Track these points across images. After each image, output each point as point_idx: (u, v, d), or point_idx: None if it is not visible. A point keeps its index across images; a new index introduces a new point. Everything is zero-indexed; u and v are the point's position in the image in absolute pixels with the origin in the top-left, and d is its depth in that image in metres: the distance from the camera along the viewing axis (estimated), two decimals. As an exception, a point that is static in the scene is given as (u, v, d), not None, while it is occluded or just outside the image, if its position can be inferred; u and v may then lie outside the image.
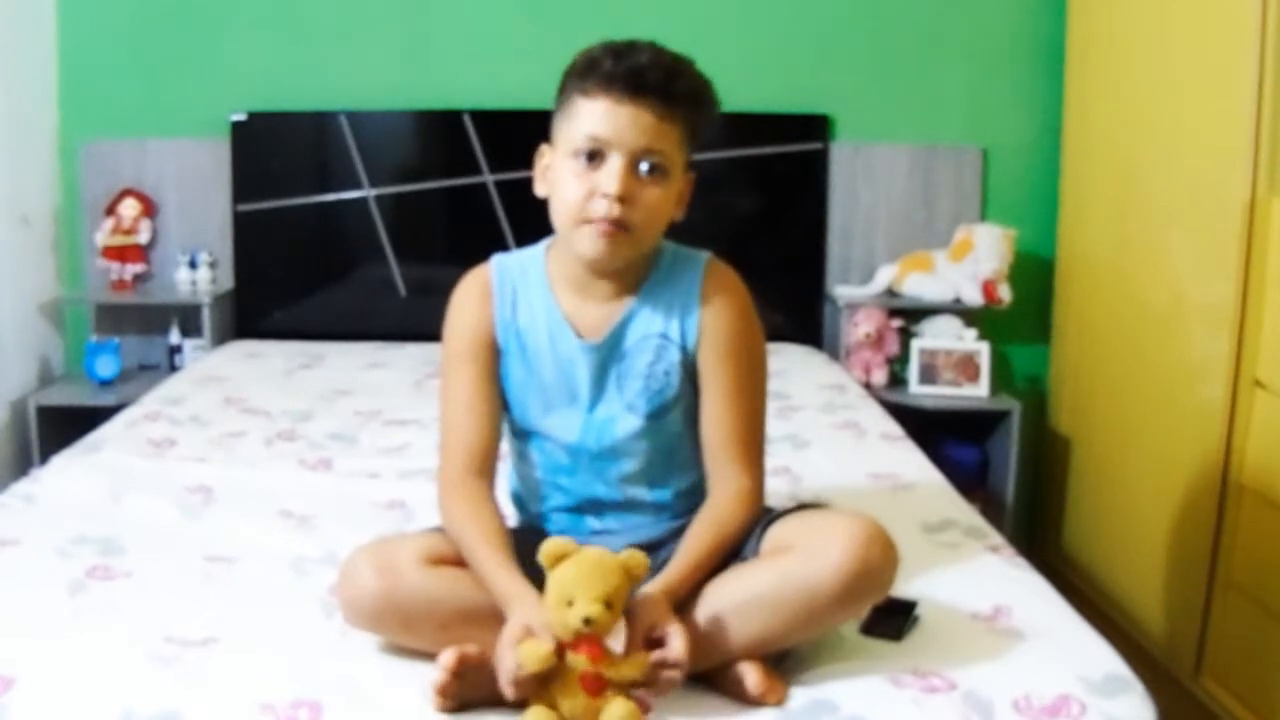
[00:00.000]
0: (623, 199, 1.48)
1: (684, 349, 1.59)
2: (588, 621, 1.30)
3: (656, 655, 1.32)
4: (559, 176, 1.54)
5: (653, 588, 1.41)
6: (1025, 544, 3.01)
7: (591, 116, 1.49)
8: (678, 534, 1.54)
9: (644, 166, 1.50)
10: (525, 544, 1.46)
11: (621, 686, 1.31)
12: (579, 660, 1.31)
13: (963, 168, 3.43)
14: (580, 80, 1.51)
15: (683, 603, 1.43)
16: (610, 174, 1.49)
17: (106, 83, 3.41)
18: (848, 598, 1.40)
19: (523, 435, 1.66)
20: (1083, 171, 3.18)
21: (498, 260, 1.67)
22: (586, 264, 1.57)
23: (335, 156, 3.37)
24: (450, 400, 1.62)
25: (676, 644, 1.33)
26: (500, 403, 1.62)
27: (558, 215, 1.56)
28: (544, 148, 1.59)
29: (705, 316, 1.59)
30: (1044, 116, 3.38)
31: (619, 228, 1.50)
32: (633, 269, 1.59)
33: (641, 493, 1.63)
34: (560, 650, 1.31)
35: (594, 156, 1.50)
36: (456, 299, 1.66)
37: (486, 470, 1.59)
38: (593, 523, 1.64)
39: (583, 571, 1.33)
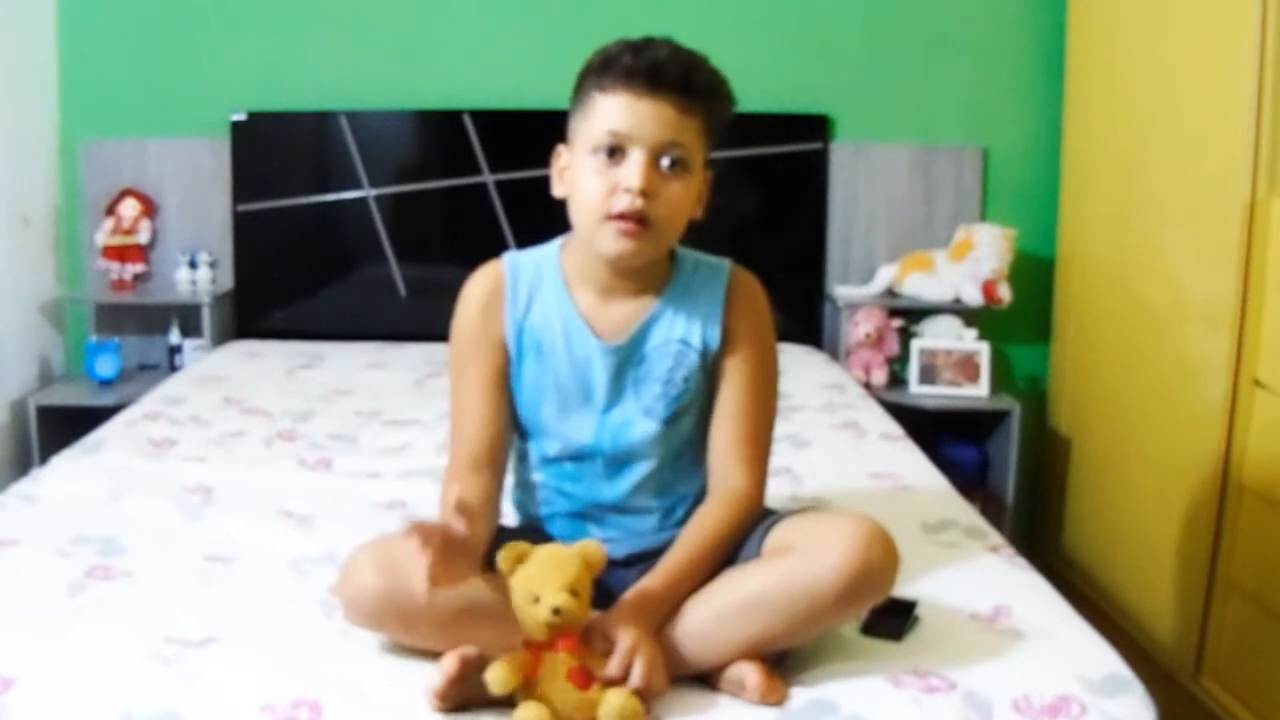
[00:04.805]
0: (645, 193, 1.47)
1: (704, 355, 1.58)
2: (557, 611, 1.30)
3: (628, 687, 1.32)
4: (578, 175, 1.52)
5: (631, 595, 1.41)
6: (1025, 544, 3.01)
7: (611, 112, 1.47)
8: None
9: (665, 161, 1.48)
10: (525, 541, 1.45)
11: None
12: (561, 658, 1.31)
13: (963, 168, 3.43)
14: (598, 77, 1.49)
15: (670, 608, 1.42)
16: (632, 168, 1.47)
17: (106, 83, 3.41)
18: (848, 598, 1.39)
19: (527, 439, 1.64)
20: (1083, 171, 3.18)
21: (510, 258, 1.64)
22: (608, 262, 1.54)
23: (335, 156, 3.37)
24: (458, 400, 1.61)
25: (635, 676, 1.32)
26: (508, 401, 1.61)
27: (578, 214, 1.54)
28: (560, 148, 1.58)
29: (730, 324, 1.59)
30: (1044, 116, 3.39)
31: (641, 223, 1.48)
32: (654, 271, 1.58)
33: (647, 499, 1.62)
34: (535, 655, 1.31)
35: (614, 152, 1.48)
36: (466, 297, 1.63)
37: (493, 466, 1.57)
38: (594, 530, 1.62)
39: (542, 567, 1.34)
